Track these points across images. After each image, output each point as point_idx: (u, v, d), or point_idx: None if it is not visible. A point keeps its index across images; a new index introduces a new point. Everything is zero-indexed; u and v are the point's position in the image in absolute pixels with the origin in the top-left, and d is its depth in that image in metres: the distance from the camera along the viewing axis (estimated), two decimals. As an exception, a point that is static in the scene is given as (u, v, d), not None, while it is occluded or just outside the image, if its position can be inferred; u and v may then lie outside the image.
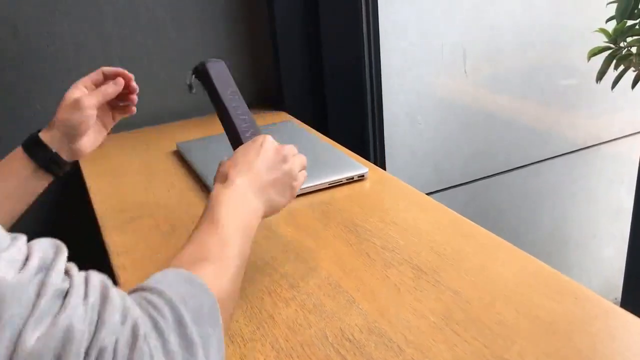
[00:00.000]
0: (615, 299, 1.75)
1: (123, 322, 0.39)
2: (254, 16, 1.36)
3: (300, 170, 0.70)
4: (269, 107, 1.41)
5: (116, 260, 0.78)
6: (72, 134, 0.75)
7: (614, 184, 2.07)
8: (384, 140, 1.49)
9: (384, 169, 1.45)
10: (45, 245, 0.41)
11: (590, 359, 0.54)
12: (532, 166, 1.86)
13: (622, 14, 1.39)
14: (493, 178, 1.81)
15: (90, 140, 0.78)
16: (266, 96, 1.43)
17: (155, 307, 0.42)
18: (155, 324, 0.41)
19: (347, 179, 0.95)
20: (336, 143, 1.13)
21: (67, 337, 0.36)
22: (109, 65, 1.24)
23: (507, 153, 1.82)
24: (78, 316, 0.37)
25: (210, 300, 0.46)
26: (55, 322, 0.36)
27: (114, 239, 0.83)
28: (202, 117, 1.38)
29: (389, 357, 0.57)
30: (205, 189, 0.96)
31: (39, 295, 0.36)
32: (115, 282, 0.74)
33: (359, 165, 0.98)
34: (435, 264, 0.71)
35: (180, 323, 0.42)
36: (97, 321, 0.38)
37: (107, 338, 0.37)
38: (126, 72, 0.81)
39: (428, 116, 1.66)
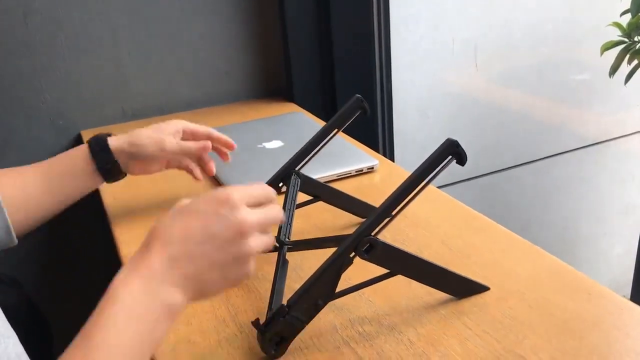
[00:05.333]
0: (624, 296, 1.73)
1: None
2: (264, 6, 1.35)
3: (260, 245, 0.48)
4: (279, 99, 1.40)
5: (125, 251, 0.78)
6: (138, 157, 0.79)
7: (624, 180, 2.05)
8: (393, 134, 1.48)
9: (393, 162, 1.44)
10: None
11: (604, 356, 0.53)
12: (542, 161, 1.85)
13: (637, 8, 1.37)
14: (503, 173, 1.80)
15: (147, 167, 0.82)
16: (275, 87, 1.43)
17: None
18: None
19: (356, 171, 0.94)
20: (345, 135, 1.12)
21: None
22: (117, 55, 1.25)
23: (518, 148, 1.80)
24: None
25: None
26: None
27: (122, 230, 0.83)
28: (211, 107, 1.38)
29: (399, 350, 0.56)
30: (214, 180, 0.95)
31: None
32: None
33: (369, 157, 0.97)
34: (446, 258, 0.70)
35: None
36: None
37: None
38: (230, 142, 0.85)
39: (438, 110, 1.64)
